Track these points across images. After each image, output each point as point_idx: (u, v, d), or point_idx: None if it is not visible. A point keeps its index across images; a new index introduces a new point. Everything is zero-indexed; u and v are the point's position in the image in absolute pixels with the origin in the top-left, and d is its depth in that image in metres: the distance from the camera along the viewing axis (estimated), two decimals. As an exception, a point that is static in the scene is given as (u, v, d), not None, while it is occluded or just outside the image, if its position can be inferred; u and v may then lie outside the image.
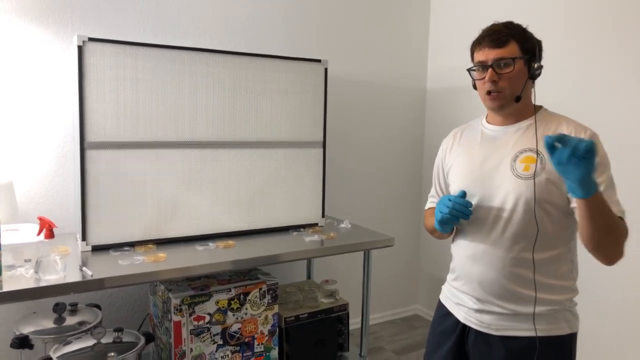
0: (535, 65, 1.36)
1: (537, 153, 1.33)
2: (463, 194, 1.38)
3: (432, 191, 1.69)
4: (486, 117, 1.52)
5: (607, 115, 2.42)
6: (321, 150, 2.58)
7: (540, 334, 1.35)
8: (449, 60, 3.38)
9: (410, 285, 3.70)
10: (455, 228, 1.53)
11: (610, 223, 1.21)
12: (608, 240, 1.24)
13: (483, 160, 1.44)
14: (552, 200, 1.31)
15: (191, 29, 2.63)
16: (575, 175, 1.10)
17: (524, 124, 1.41)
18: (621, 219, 1.27)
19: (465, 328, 1.47)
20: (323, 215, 2.63)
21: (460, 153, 1.53)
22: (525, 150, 1.36)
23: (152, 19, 2.51)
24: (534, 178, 1.31)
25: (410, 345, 3.19)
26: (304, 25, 3.01)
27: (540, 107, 1.44)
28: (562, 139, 1.10)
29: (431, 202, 1.70)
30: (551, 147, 1.11)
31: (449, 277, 1.58)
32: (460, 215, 1.36)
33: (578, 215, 1.23)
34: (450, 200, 1.36)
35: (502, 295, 1.38)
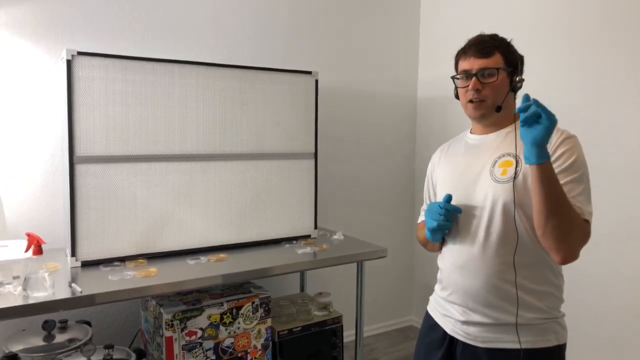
0: (517, 79, 1.38)
1: (514, 157, 1.34)
2: (448, 198, 1.40)
3: (424, 205, 1.69)
4: (470, 130, 1.55)
5: (598, 118, 2.44)
6: (313, 161, 2.58)
7: (526, 345, 1.33)
8: (440, 68, 3.40)
9: (405, 296, 3.69)
10: (444, 239, 1.53)
11: (560, 200, 1.21)
12: (557, 221, 1.22)
13: (465, 168, 1.46)
14: (529, 201, 1.30)
15: (181, 42, 2.63)
16: (528, 139, 1.17)
17: (504, 130, 1.43)
18: (586, 221, 1.27)
19: (452, 340, 1.46)
20: (315, 227, 2.61)
21: (446, 165, 1.56)
22: (504, 155, 1.38)
23: (142, 32, 2.51)
24: (507, 182, 1.33)
25: (405, 357, 3.17)
26: (294, 37, 3.02)
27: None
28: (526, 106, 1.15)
29: (422, 216, 1.70)
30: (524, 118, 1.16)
31: (437, 287, 1.58)
32: (452, 216, 1.39)
33: (531, 186, 1.23)
34: (440, 207, 1.39)
35: (488, 302, 1.37)
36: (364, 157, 3.39)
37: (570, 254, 1.27)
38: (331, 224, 3.16)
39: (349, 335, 3.02)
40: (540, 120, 1.14)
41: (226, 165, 2.32)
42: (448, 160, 1.56)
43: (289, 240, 2.52)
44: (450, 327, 1.47)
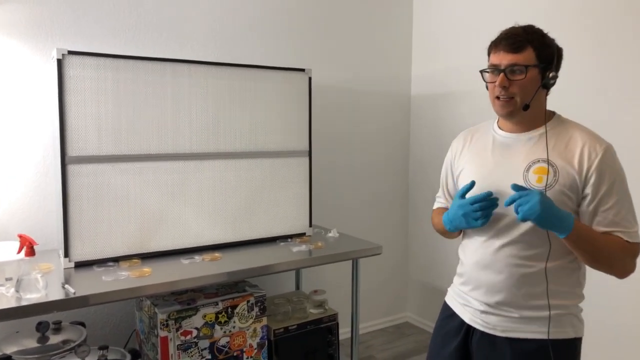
0: (550, 75, 1.32)
1: (550, 164, 1.32)
2: (470, 188, 1.37)
3: (440, 192, 1.67)
4: (497, 122, 1.49)
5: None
6: (307, 159, 2.57)
7: (547, 336, 1.34)
8: (433, 65, 3.40)
9: (400, 292, 3.69)
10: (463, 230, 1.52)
11: (599, 251, 1.28)
12: (600, 265, 1.31)
13: (495, 167, 1.41)
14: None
15: (173, 40, 2.62)
16: (545, 224, 1.24)
17: (536, 132, 1.38)
18: (627, 241, 1.30)
19: (470, 329, 1.46)
20: (310, 225, 2.61)
21: (471, 158, 1.50)
22: (539, 161, 1.34)
23: (133, 31, 2.49)
24: (546, 189, 1.31)
25: (402, 353, 3.17)
26: (287, 34, 3.01)
27: (554, 113, 1.42)
28: (522, 193, 1.24)
29: (439, 202, 1.69)
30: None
31: (457, 280, 1.55)
32: (490, 211, 1.35)
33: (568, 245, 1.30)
34: (471, 204, 1.34)
35: (512, 302, 1.37)
36: (358, 154, 3.38)
37: (625, 275, 1.33)
38: (326, 221, 3.16)
39: (344, 332, 3.02)
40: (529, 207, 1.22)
41: (220, 163, 2.31)
42: (473, 154, 1.50)
43: (283, 238, 2.52)
44: (469, 316, 1.46)
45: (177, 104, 2.18)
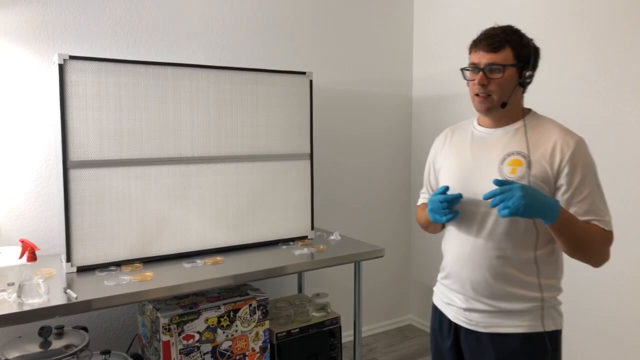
0: (527, 74, 1.38)
1: (525, 156, 1.36)
2: (444, 190, 1.43)
3: (424, 188, 1.73)
4: (477, 119, 1.54)
5: (593, 118, 2.44)
6: (309, 162, 2.57)
7: (527, 330, 1.38)
8: (434, 68, 3.40)
9: (402, 295, 3.68)
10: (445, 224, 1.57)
11: (581, 238, 1.31)
12: (581, 252, 1.33)
13: (472, 161, 1.47)
14: None
15: (174, 44, 2.62)
16: (532, 214, 1.25)
17: (512, 127, 1.43)
18: (603, 229, 1.34)
19: (457, 327, 1.51)
20: (312, 228, 2.61)
21: (451, 154, 1.55)
22: (513, 154, 1.38)
23: (134, 35, 2.50)
24: (518, 181, 1.34)
25: (405, 356, 3.16)
26: (288, 38, 3.01)
27: (529, 110, 1.47)
28: (504, 188, 1.25)
29: (423, 198, 1.74)
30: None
31: (440, 275, 1.60)
32: (452, 205, 1.41)
33: (552, 233, 1.33)
34: (441, 202, 1.40)
35: (491, 294, 1.41)
36: (360, 156, 3.38)
37: (601, 263, 1.36)
38: (328, 224, 3.16)
39: (347, 335, 3.01)
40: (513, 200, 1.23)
41: (221, 167, 2.31)
42: (453, 150, 1.55)
43: (285, 241, 2.51)
44: (453, 314, 1.52)
45: (178, 107, 2.18)
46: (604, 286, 2.45)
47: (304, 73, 2.52)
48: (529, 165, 1.35)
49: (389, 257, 3.50)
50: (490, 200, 1.30)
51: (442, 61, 3.30)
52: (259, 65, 2.87)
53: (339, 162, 3.28)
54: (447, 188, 1.43)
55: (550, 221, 1.26)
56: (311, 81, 2.54)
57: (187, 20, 2.65)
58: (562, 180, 1.33)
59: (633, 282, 2.35)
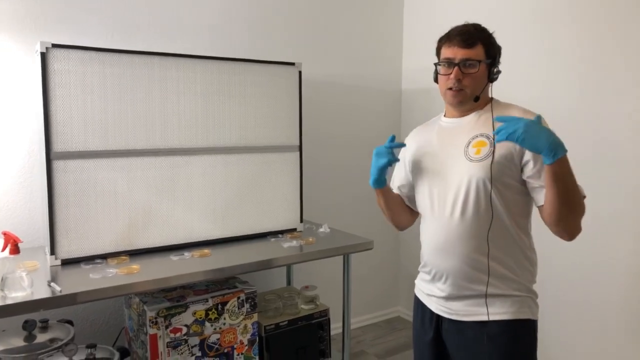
0: (495, 70, 1.45)
1: (487, 137, 1.40)
2: (392, 138, 1.52)
3: (390, 182, 1.73)
4: (444, 114, 1.59)
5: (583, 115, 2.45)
6: (297, 154, 2.55)
7: (508, 317, 1.40)
8: (424, 61, 3.38)
9: (391, 287, 3.69)
10: (421, 216, 1.60)
11: (574, 187, 1.29)
12: (570, 208, 1.30)
13: (439, 150, 1.51)
14: (504, 180, 1.38)
15: (160, 34, 2.57)
16: (544, 140, 1.21)
17: (477, 113, 1.48)
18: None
19: (439, 318, 1.52)
20: (301, 220, 2.59)
21: (418, 148, 1.59)
22: (477, 136, 1.43)
23: (120, 24, 2.45)
24: (482, 160, 1.38)
25: (393, 348, 3.17)
26: (277, 28, 2.98)
27: (492, 98, 1.52)
28: (509, 119, 1.26)
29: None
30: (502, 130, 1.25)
31: (420, 266, 1.62)
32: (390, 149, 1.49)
33: (546, 180, 1.28)
34: (387, 147, 1.49)
35: (466, 276, 1.42)
36: (349, 149, 3.37)
37: (577, 232, 1.35)
38: (317, 216, 3.14)
39: (336, 328, 3.01)
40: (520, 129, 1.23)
41: (209, 159, 2.28)
42: (421, 143, 1.59)
43: (274, 234, 2.50)
44: (435, 305, 1.53)
45: (165, 98, 2.15)
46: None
47: (292, 64, 2.50)
48: (491, 144, 1.38)
49: (377, 250, 3.49)
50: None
51: (432, 53, 3.27)
52: (247, 56, 2.83)
53: (329, 154, 3.27)
54: (394, 137, 1.52)
55: (550, 156, 1.21)
56: (300, 72, 2.52)
57: (174, 9, 2.60)
58: (528, 156, 1.35)
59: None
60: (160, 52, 2.13)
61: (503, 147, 1.37)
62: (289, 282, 2.98)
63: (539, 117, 1.27)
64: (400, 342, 3.26)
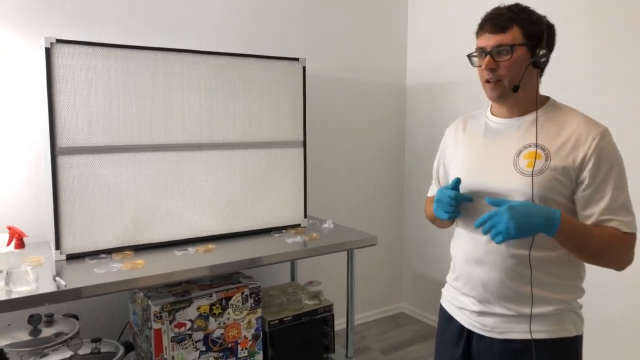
0: (540, 53, 1.26)
1: (542, 148, 1.27)
2: (456, 184, 1.35)
3: (434, 180, 1.64)
4: (490, 109, 1.44)
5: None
6: (301, 149, 2.55)
7: (546, 335, 1.30)
8: (428, 56, 3.37)
9: (395, 283, 3.69)
10: (456, 221, 1.48)
11: (593, 246, 1.23)
12: (596, 260, 1.25)
13: (485, 154, 1.37)
14: (555, 198, 1.26)
15: (165, 29, 2.57)
16: (535, 225, 1.17)
17: (529, 117, 1.33)
18: (623, 231, 1.23)
19: (470, 333, 1.42)
20: (305, 216, 2.59)
21: (463, 146, 1.46)
22: (530, 146, 1.29)
23: (124, 20, 2.45)
24: (534, 175, 1.26)
25: (397, 344, 3.17)
26: (281, 24, 2.97)
27: (548, 98, 1.37)
28: (491, 214, 1.20)
29: (432, 191, 1.65)
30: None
31: (449, 277, 1.51)
32: (460, 204, 1.36)
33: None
34: (451, 197, 1.33)
35: (506, 296, 1.32)
36: (353, 145, 3.36)
37: (623, 267, 1.26)
38: (321, 212, 3.14)
39: (340, 323, 3.02)
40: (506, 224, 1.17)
41: (213, 154, 2.28)
42: (465, 142, 1.46)
43: (278, 229, 2.50)
44: (466, 319, 1.42)
45: (169, 93, 2.15)
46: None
47: (297, 59, 2.49)
48: (547, 157, 1.25)
49: (382, 246, 3.50)
50: (506, 196, 1.28)
51: (437, 48, 3.27)
52: (251, 51, 2.83)
53: (333, 150, 3.26)
54: (459, 181, 1.34)
55: (551, 233, 1.18)
56: (304, 67, 2.51)
57: (178, 5, 2.60)
58: (586, 174, 1.23)
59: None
60: (164, 48, 2.13)
61: (559, 161, 1.24)
62: (293, 278, 2.98)
63: (509, 207, 1.18)
64: (404, 338, 3.26)
